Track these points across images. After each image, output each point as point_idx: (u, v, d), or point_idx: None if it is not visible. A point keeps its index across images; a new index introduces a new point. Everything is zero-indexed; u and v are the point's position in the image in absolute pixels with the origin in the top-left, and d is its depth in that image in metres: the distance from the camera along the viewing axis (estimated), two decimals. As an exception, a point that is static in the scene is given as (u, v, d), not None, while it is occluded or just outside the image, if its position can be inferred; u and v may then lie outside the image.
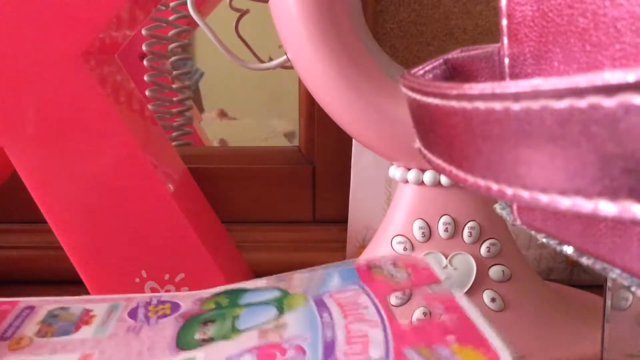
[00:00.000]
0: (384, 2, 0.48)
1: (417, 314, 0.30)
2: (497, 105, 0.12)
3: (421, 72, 0.20)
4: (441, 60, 0.21)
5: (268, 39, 0.55)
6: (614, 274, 0.15)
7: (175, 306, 0.22)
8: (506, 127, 0.12)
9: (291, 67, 0.35)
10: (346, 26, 0.33)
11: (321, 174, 0.49)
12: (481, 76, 0.20)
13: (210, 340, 0.19)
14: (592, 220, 0.15)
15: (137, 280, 0.38)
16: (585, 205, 0.11)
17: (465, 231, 0.33)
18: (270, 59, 0.37)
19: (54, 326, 0.20)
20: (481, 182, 0.14)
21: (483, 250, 0.33)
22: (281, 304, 0.21)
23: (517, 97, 0.11)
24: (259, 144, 0.59)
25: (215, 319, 0.21)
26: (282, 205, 0.49)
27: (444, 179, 0.33)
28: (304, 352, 0.18)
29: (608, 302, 0.26)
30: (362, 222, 0.45)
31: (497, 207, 0.20)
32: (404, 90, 0.17)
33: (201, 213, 0.43)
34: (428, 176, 0.34)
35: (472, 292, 0.33)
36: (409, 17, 0.48)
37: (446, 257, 0.33)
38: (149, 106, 0.47)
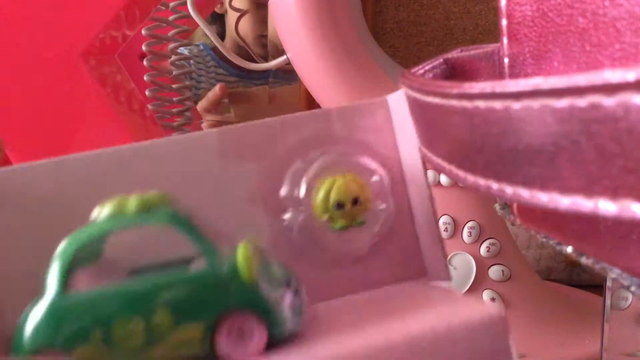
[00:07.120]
0: (384, 2, 0.48)
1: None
2: (498, 104, 0.12)
3: (421, 71, 0.20)
4: (441, 60, 0.21)
5: (268, 39, 0.55)
6: (613, 274, 0.15)
7: None
8: (506, 126, 0.12)
9: (291, 67, 0.35)
10: (346, 26, 0.33)
11: (321, 174, 0.49)
12: (481, 76, 0.20)
13: None
14: (592, 219, 0.15)
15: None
16: (585, 204, 0.11)
17: (465, 231, 0.33)
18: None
19: None
20: (481, 182, 0.14)
21: (483, 250, 0.33)
22: None
23: (517, 96, 0.11)
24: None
25: None
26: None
27: (443, 179, 0.33)
28: None
29: (607, 302, 0.26)
30: (362, 222, 0.45)
31: (497, 207, 0.20)
32: (404, 89, 0.17)
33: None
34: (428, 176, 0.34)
35: (472, 291, 0.33)
36: (409, 17, 0.48)
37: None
38: (149, 106, 0.47)
